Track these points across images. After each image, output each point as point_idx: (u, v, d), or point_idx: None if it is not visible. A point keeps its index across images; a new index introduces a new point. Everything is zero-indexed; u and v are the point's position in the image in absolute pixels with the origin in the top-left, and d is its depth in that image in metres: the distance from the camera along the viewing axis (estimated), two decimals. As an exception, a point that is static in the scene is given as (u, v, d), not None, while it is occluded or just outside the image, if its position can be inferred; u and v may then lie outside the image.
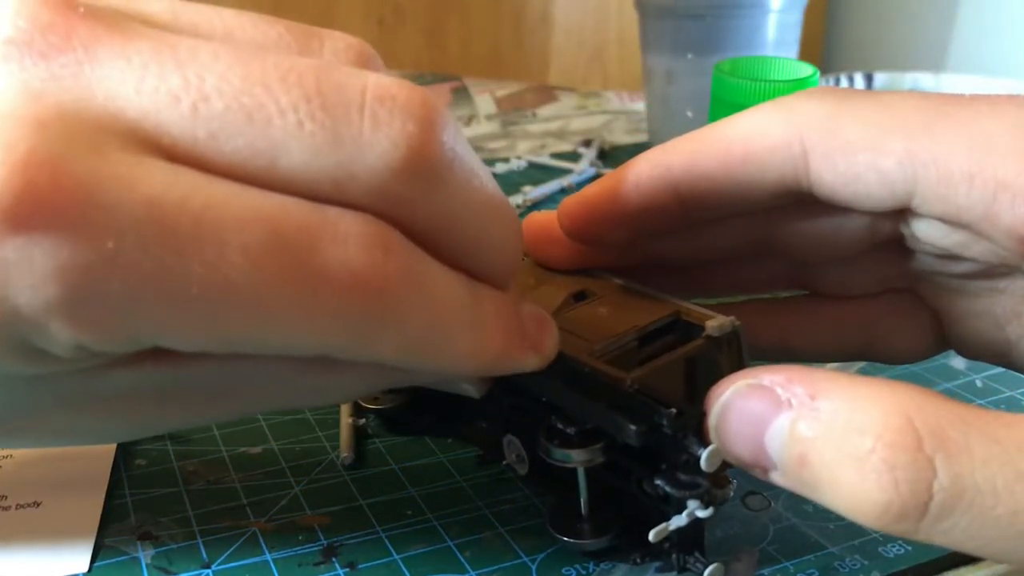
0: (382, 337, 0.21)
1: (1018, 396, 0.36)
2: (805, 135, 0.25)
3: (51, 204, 0.18)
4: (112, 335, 0.19)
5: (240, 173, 0.20)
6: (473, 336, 0.23)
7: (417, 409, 0.34)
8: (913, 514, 0.19)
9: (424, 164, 0.20)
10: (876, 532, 0.28)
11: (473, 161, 0.22)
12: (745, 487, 0.30)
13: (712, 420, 0.23)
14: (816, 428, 0.20)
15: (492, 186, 0.23)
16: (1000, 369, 0.36)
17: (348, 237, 0.20)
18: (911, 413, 0.20)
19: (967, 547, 0.20)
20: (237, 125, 0.19)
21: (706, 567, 0.25)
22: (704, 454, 0.23)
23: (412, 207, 0.21)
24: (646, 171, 0.26)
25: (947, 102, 0.24)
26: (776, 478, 0.22)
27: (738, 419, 0.22)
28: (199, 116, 0.19)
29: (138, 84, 0.19)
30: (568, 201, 0.28)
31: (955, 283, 0.28)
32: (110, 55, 0.19)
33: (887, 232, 0.27)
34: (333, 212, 0.20)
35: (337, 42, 0.22)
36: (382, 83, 0.20)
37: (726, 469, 0.24)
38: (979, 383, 0.37)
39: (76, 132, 0.19)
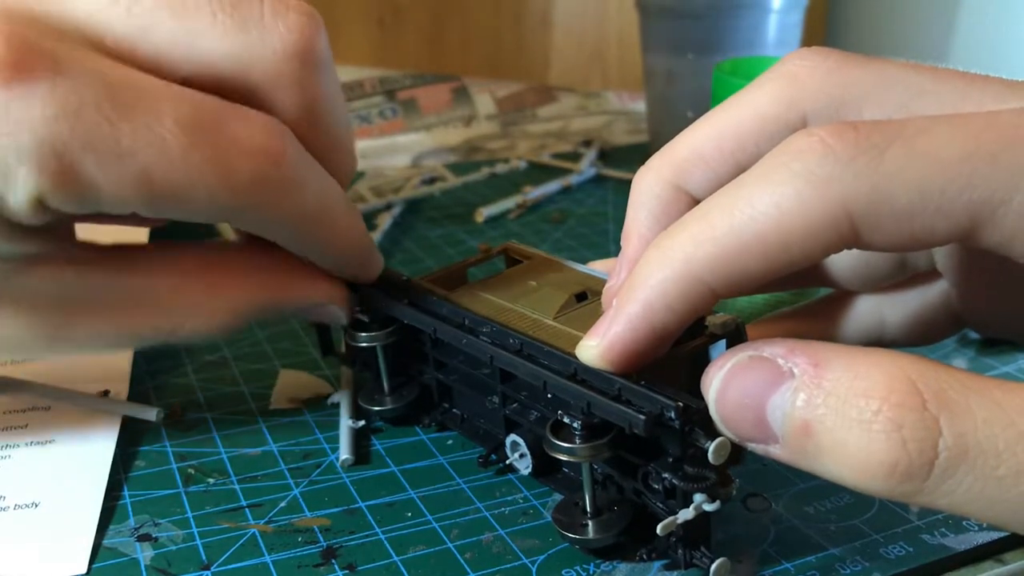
0: (283, 201, 0.28)
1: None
2: (850, 208, 0.21)
3: (29, 66, 0.23)
4: (68, 185, 0.24)
5: (166, 61, 0.26)
6: (351, 218, 0.31)
7: (418, 410, 0.34)
8: (919, 473, 0.19)
9: (312, 50, 0.28)
10: (877, 533, 0.27)
11: (334, 70, 0.29)
12: (746, 489, 0.30)
13: (711, 394, 0.23)
14: (819, 396, 0.20)
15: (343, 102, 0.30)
16: (1005, 367, 0.36)
17: (253, 120, 0.27)
18: (913, 376, 0.20)
19: (969, 510, 0.20)
20: (161, 18, 0.26)
21: (712, 562, 0.25)
22: (711, 447, 0.23)
23: (298, 92, 0.28)
24: (676, 292, 0.23)
25: (981, 131, 0.21)
26: (776, 452, 0.22)
27: (739, 391, 0.22)
28: (132, 14, 0.26)
29: None
30: (611, 353, 0.25)
31: (972, 259, 0.28)
32: None
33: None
34: (240, 106, 0.27)
35: None
36: None
37: (731, 466, 0.24)
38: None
39: (42, 25, 0.25)
